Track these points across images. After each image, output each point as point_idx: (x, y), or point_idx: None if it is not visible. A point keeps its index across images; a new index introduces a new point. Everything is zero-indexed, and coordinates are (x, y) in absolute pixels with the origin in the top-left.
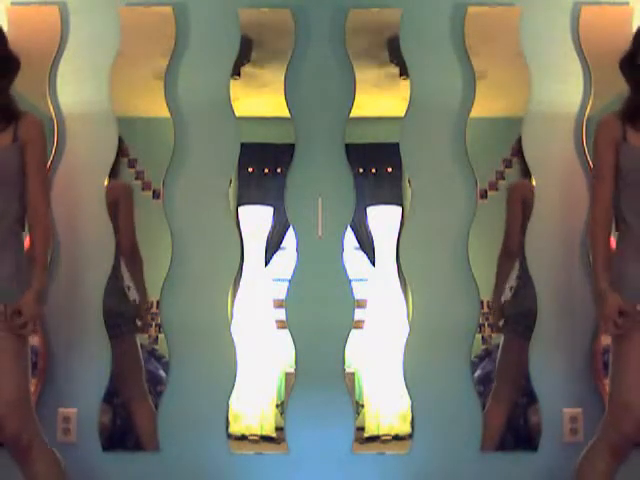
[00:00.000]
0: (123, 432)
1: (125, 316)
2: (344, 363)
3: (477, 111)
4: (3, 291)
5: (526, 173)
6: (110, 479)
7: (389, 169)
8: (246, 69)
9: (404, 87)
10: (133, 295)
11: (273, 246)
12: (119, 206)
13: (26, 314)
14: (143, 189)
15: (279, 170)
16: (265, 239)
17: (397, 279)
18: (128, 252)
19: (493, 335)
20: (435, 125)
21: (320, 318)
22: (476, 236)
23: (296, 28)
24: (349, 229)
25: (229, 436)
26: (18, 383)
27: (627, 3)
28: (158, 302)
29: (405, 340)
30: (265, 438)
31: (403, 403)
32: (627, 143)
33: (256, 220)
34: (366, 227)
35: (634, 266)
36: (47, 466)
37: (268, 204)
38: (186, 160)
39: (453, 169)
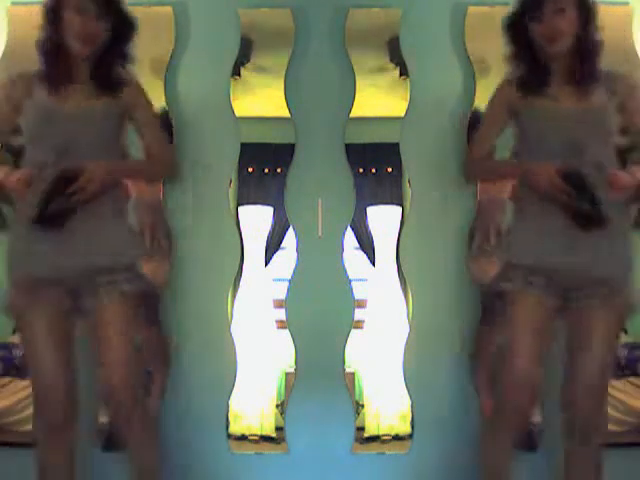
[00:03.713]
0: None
1: None
2: (344, 363)
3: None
4: (121, 258)
5: None
6: (110, 479)
7: (389, 169)
8: (246, 69)
9: (404, 87)
10: None
11: (273, 246)
12: None
13: (87, 175)
14: None
15: (279, 170)
16: (265, 239)
17: (397, 279)
18: None
19: None
20: (435, 125)
21: (320, 318)
22: None
23: (296, 28)
24: (349, 229)
25: (229, 436)
26: (124, 354)
27: (627, 3)
28: None
29: (405, 340)
30: (265, 438)
31: (403, 403)
32: (527, 106)
33: (256, 220)
34: (366, 227)
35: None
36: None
37: (268, 204)
38: (186, 160)
39: (453, 169)
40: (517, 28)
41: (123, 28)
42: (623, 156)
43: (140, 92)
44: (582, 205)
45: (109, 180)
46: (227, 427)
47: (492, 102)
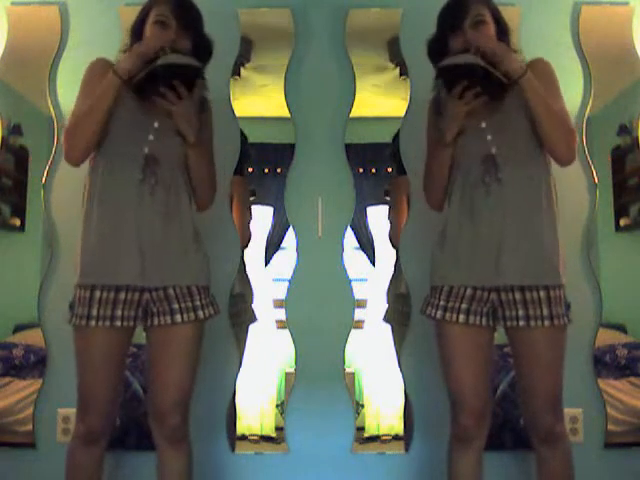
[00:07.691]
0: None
1: None
2: (344, 363)
3: None
4: (174, 270)
5: None
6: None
7: (389, 169)
8: (246, 69)
9: (404, 87)
10: None
11: (273, 246)
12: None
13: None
14: None
15: (279, 170)
16: (265, 239)
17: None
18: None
19: None
20: None
21: (320, 318)
22: None
23: (296, 28)
24: (349, 229)
25: (229, 436)
26: (186, 376)
27: (627, 3)
28: None
29: (405, 340)
30: (265, 438)
31: (403, 403)
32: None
33: (256, 220)
34: (366, 227)
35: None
36: (189, 459)
37: (268, 204)
38: None
39: None
40: (438, 46)
41: (203, 49)
42: (623, 156)
43: (210, 121)
44: (488, 79)
45: (193, 128)
46: (227, 427)
47: (428, 125)
